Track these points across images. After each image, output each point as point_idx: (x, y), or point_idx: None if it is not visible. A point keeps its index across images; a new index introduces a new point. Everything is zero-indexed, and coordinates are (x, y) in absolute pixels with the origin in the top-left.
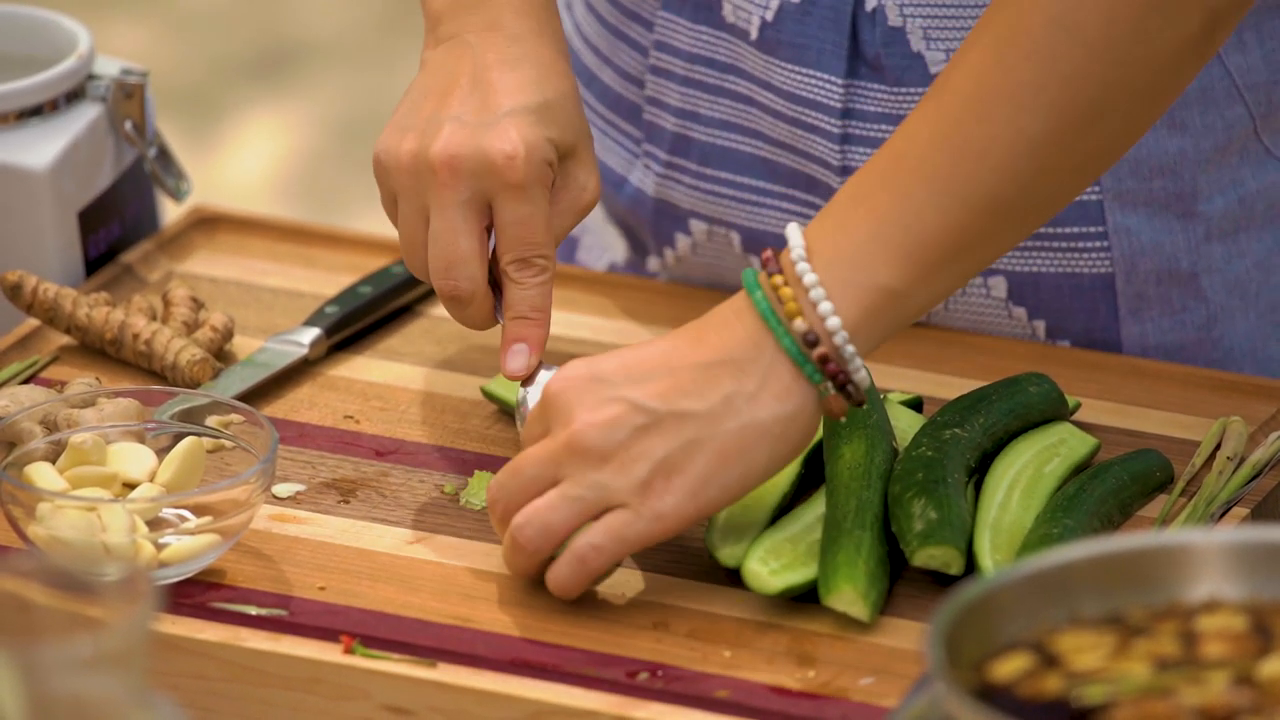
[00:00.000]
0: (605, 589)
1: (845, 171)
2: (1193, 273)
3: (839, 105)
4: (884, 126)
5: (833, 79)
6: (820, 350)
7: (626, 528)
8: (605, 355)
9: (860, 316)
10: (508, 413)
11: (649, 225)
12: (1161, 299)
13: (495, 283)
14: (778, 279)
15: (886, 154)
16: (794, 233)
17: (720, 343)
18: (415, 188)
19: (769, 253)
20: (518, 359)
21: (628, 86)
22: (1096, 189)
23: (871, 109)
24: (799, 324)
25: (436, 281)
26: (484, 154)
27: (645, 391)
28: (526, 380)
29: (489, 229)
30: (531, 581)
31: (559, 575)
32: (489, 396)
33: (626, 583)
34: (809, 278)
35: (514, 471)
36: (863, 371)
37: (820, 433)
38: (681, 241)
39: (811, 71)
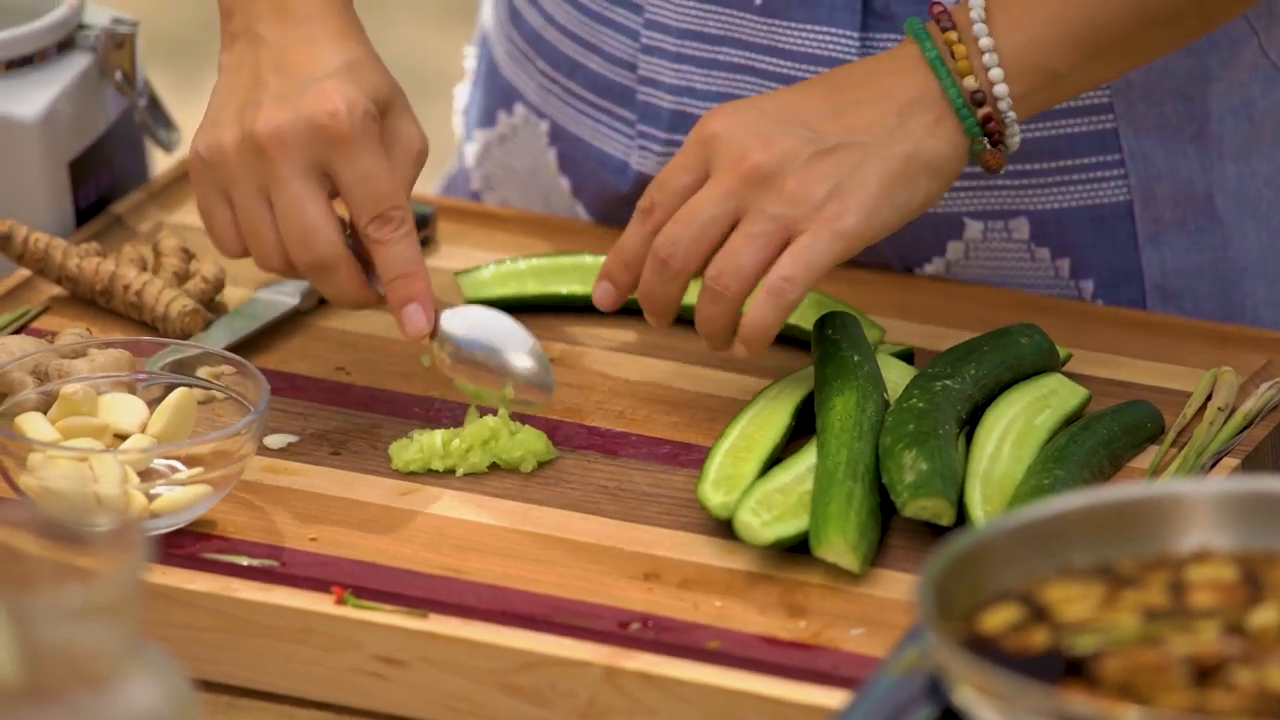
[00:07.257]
0: (594, 539)
1: None
2: (1207, 194)
3: (856, 59)
4: None
5: (848, 33)
6: (985, 110)
7: (809, 251)
8: (761, 96)
9: (1023, 91)
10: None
11: None
12: (1178, 222)
13: (364, 260)
14: (951, 35)
15: None
16: None
17: (885, 86)
18: (248, 174)
19: (940, 5)
20: (416, 319)
21: (617, 71)
22: (1110, 117)
23: None
24: (969, 82)
25: (298, 257)
26: (307, 118)
27: (817, 123)
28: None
29: (333, 199)
30: (520, 534)
31: (759, 314)
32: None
33: (618, 534)
34: (985, 41)
35: (686, 220)
36: (1018, 137)
37: (810, 384)
38: None
39: (825, 29)
